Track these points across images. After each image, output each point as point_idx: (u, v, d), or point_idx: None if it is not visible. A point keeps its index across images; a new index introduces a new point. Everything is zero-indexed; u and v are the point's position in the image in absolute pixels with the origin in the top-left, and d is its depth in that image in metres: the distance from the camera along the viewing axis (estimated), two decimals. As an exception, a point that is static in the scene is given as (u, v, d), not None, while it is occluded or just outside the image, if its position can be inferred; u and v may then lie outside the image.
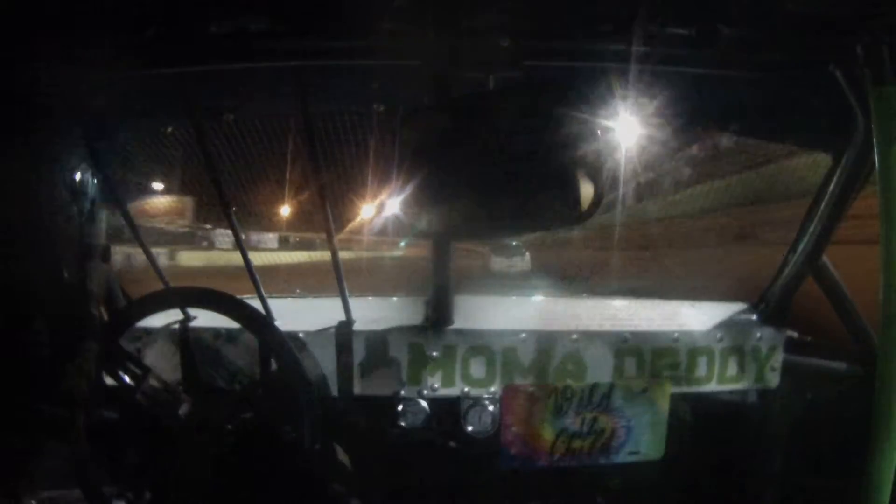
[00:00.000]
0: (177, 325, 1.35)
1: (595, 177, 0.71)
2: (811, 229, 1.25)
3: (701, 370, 1.41)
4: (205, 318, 1.35)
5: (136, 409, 1.17)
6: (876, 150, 0.70)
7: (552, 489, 1.45)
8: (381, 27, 0.79)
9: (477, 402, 1.38)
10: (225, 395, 1.26)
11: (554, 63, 0.88)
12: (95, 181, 1.04)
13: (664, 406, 1.41)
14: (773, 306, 1.43)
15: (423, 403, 1.37)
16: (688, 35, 0.80)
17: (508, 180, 0.73)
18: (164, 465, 1.15)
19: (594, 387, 1.39)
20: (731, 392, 1.43)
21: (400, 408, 1.37)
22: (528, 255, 12.89)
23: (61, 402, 0.53)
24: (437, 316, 1.38)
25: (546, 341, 1.37)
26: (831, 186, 1.16)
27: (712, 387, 1.41)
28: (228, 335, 1.33)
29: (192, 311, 1.36)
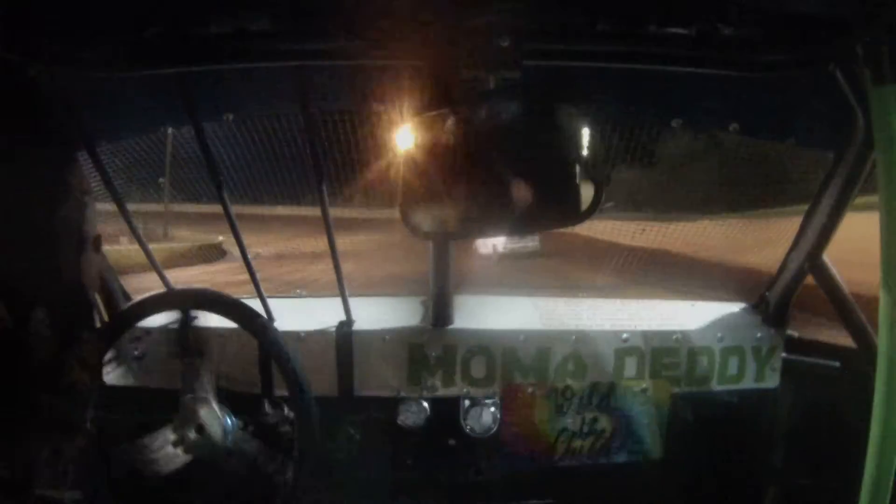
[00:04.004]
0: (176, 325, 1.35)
1: (595, 176, 0.71)
2: (811, 229, 1.25)
3: (701, 370, 1.41)
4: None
5: (136, 410, 1.18)
6: (876, 150, 0.70)
7: (552, 489, 1.45)
8: (381, 27, 0.79)
9: (477, 402, 1.37)
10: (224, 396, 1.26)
11: (554, 63, 0.88)
12: (88, 177, 1.05)
13: (664, 406, 1.41)
14: (773, 306, 1.43)
15: (423, 403, 1.37)
16: (688, 35, 0.80)
17: (508, 180, 0.73)
18: (165, 467, 1.15)
19: (594, 387, 1.39)
20: (731, 392, 1.43)
21: (400, 408, 1.37)
22: (538, 238, 14.67)
23: (65, 396, 0.53)
24: (437, 316, 1.38)
25: (546, 341, 1.37)
26: (831, 186, 1.17)
27: (712, 387, 1.41)
28: (228, 335, 1.33)
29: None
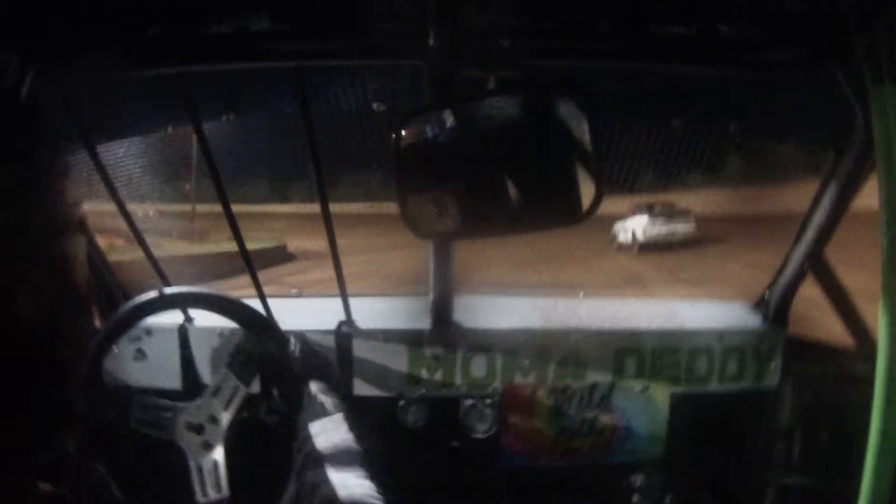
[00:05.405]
0: (177, 325, 1.35)
1: (596, 174, 0.72)
2: (811, 228, 1.25)
3: (701, 370, 1.41)
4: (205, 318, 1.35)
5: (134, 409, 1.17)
6: (876, 150, 0.70)
7: (552, 489, 1.45)
8: (381, 27, 0.79)
9: (477, 402, 1.37)
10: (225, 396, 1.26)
11: (554, 63, 0.88)
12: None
13: (664, 406, 1.41)
14: (773, 306, 1.43)
15: (423, 403, 1.37)
16: (688, 35, 0.80)
17: (509, 180, 0.73)
18: (165, 465, 1.15)
19: (594, 387, 1.39)
20: (731, 392, 1.43)
21: (400, 408, 1.37)
22: (693, 220, 8.52)
23: (59, 380, 0.52)
24: (437, 316, 1.38)
25: (546, 341, 1.37)
26: (831, 186, 1.17)
27: (712, 387, 1.41)
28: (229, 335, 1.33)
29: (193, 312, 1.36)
